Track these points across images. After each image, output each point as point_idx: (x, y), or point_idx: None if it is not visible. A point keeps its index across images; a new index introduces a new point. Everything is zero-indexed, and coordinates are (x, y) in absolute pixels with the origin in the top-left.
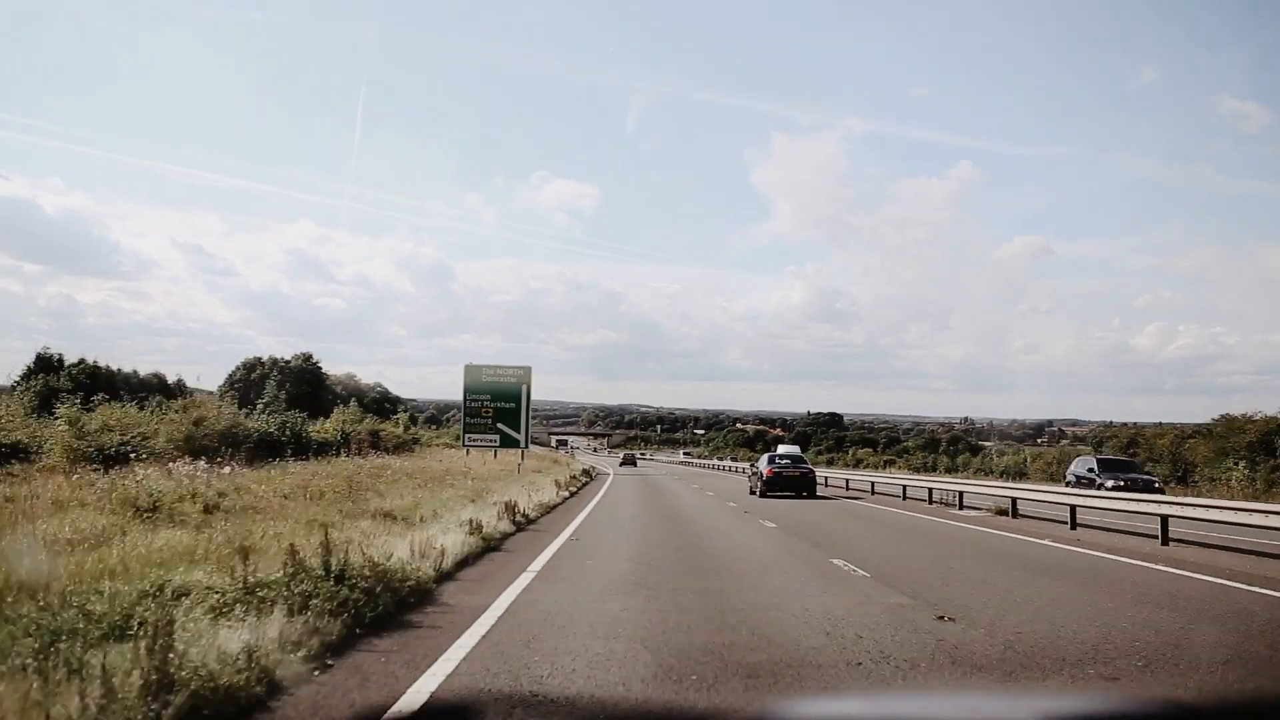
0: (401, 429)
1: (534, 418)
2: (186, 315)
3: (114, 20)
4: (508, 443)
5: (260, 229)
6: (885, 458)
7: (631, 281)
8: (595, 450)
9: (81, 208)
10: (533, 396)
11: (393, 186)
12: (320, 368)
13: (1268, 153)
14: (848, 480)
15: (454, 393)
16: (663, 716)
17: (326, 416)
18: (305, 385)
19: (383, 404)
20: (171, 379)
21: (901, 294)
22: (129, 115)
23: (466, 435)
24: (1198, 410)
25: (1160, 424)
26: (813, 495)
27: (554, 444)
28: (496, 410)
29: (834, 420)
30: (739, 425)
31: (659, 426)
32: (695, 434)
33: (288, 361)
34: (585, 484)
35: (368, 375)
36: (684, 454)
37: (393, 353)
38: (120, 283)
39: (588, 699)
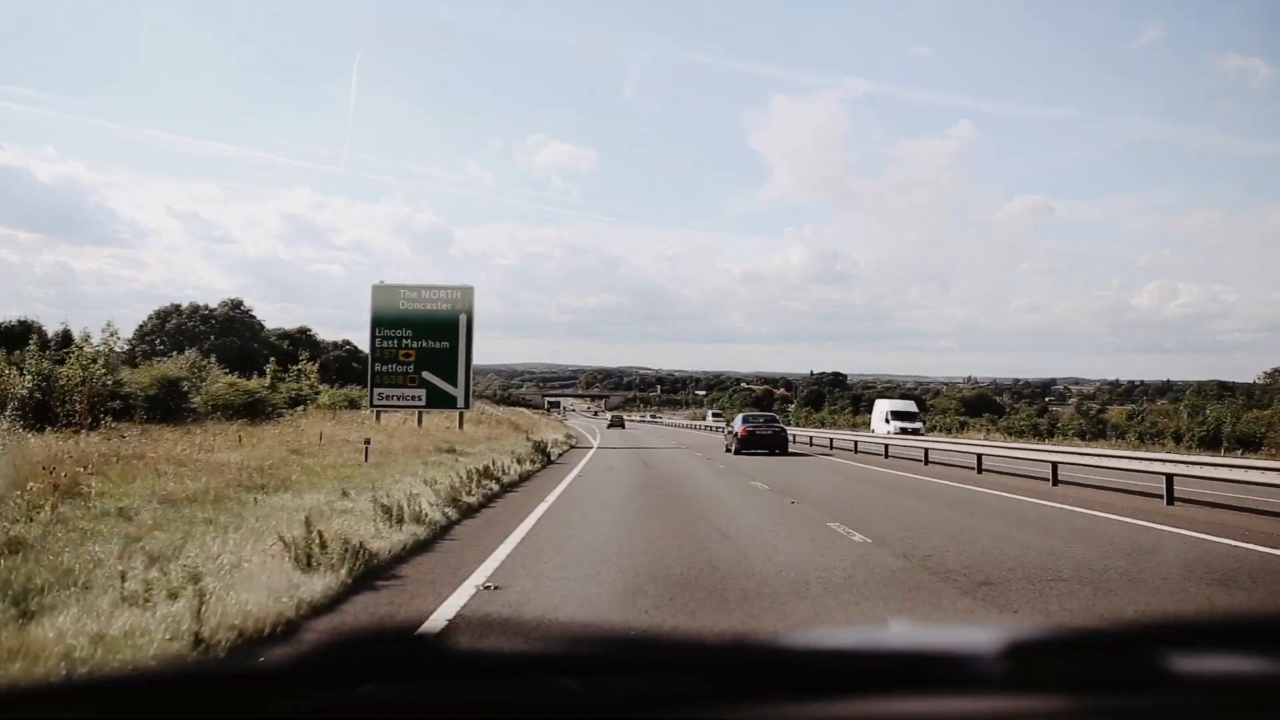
0: (268, 384)
1: (530, 379)
2: (184, 282)
3: None
4: (438, 400)
5: (258, 196)
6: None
7: (631, 245)
8: (596, 413)
9: (77, 175)
10: (531, 359)
11: (390, 152)
12: (253, 316)
13: (1271, 110)
14: (886, 447)
15: None
16: None
17: (262, 373)
18: (233, 336)
19: (350, 363)
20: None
21: (902, 255)
22: (124, 83)
23: (375, 391)
24: (1198, 368)
25: (1168, 382)
26: (785, 452)
27: (546, 406)
28: (421, 353)
29: (837, 380)
30: (744, 385)
31: (659, 388)
32: (697, 394)
33: (211, 309)
34: (542, 467)
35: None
36: (712, 415)
37: None
38: (117, 250)
39: None
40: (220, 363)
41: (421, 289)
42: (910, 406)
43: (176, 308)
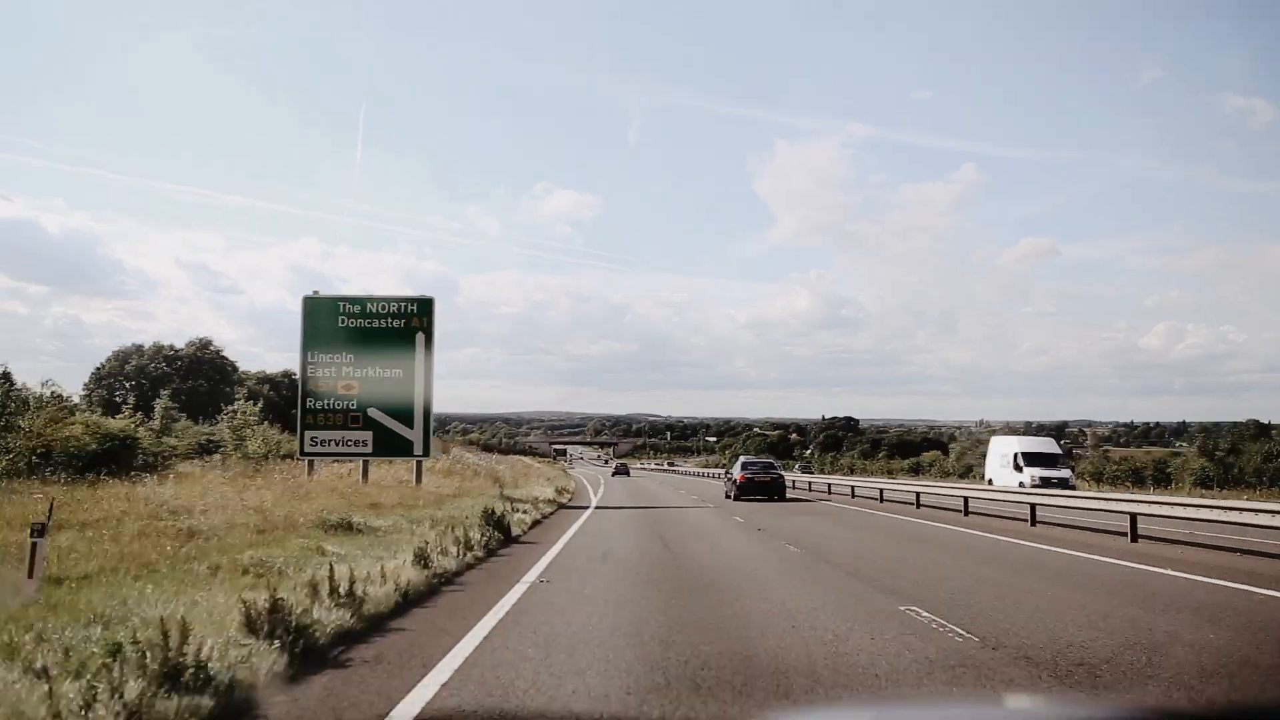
0: (154, 426)
1: (538, 427)
2: (192, 334)
3: (114, 41)
4: (389, 445)
5: (263, 246)
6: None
7: (636, 292)
8: (605, 461)
9: (84, 228)
10: (537, 408)
11: (394, 201)
12: (224, 357)
13: (1273, 149)
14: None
15: (456, 406)
16: None
17: (148, 412)
18: (201, 379)
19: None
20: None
21: (908, 299)
22: (131, 135)
23: (305, 436)
24: (1206, 409)
25: (1183, 423)
26: (782, 498)
27: (553, 454)
28: (367, 384)
29: (849, 424)
30: (757, 430)
31: (669, 434)
32: (708, 441)
33: (176, 349)
34: (497, 548)
35: None
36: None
37: None
38: (125, 302)
39: None
40: (188, 406)
41: (367, 301)
42: (1049, 446)
43: (138, 348)
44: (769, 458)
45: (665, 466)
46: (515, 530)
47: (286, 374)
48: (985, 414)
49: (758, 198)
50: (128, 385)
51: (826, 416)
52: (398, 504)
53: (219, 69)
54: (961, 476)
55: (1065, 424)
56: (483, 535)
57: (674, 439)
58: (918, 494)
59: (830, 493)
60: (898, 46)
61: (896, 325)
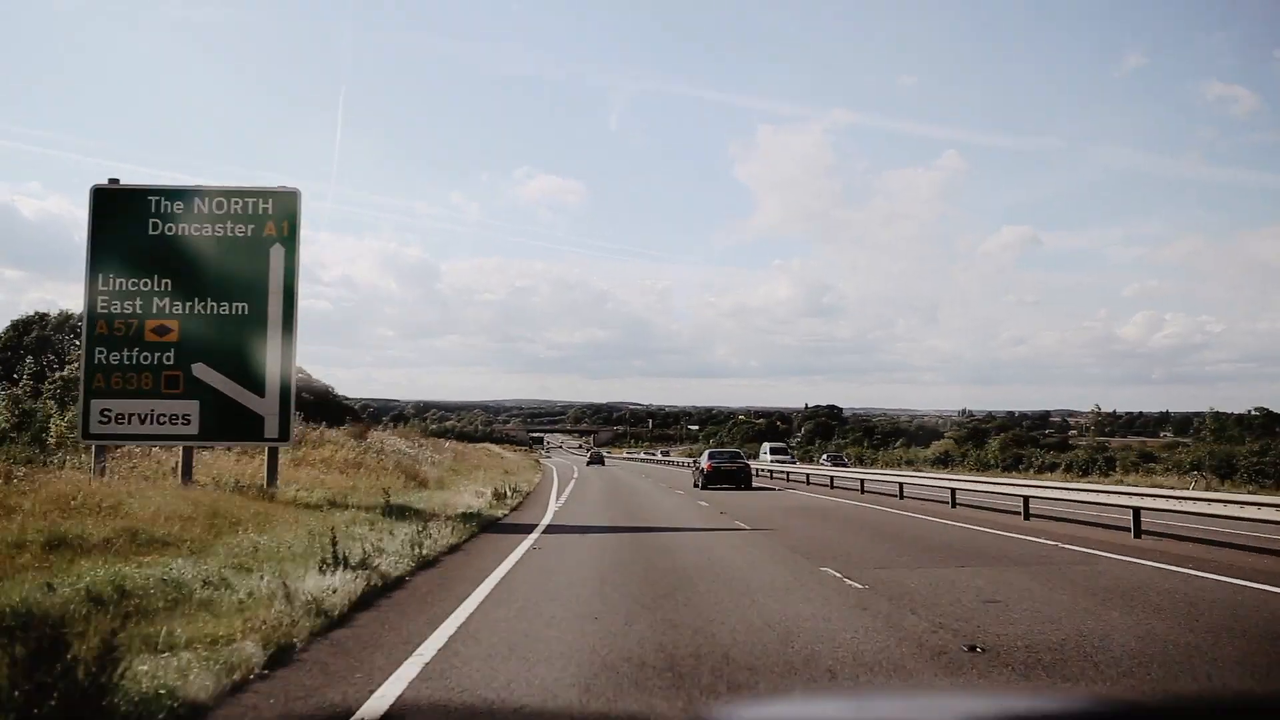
0: None
1: (517, 415)
2: None
3: (92, 24)
4: (227, 425)
5: None
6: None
7: (618, 278)
8: (586, 449)
9: (61, 212)
10: (519, 395)
11: (376, 186)
12: None
13: (1254, 139)
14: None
15: (438, 394)
16: None
17: None
18: None
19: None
20: None
21: (889, 287)
22: (109, 120)
23: (93, 408)
24: (1185, 399)
25: (1166, 412)
26: (748, 487)
27: (529, 442)
28: (190, 324)
29: (833, 413)
30: (743, 418)
31: (650, 422)
32: (690, 429)
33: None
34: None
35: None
36: (771, 451)
37: (380, 354)
38: None
39: None
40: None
41: (194, 195)
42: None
43: (41, 317)
44: (736, 448)
45: (659, 456)
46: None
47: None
48: (966, 403)
49: (740, 184)
50: (27, 359)
51: (810, 405)
52: (156, 537)
53: (198, 51)
54: (1007, 470)
55: (1048, 413)
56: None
57: (655, 427)
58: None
59: (833, 486)
60: (883, 31)
61: (878, 314)
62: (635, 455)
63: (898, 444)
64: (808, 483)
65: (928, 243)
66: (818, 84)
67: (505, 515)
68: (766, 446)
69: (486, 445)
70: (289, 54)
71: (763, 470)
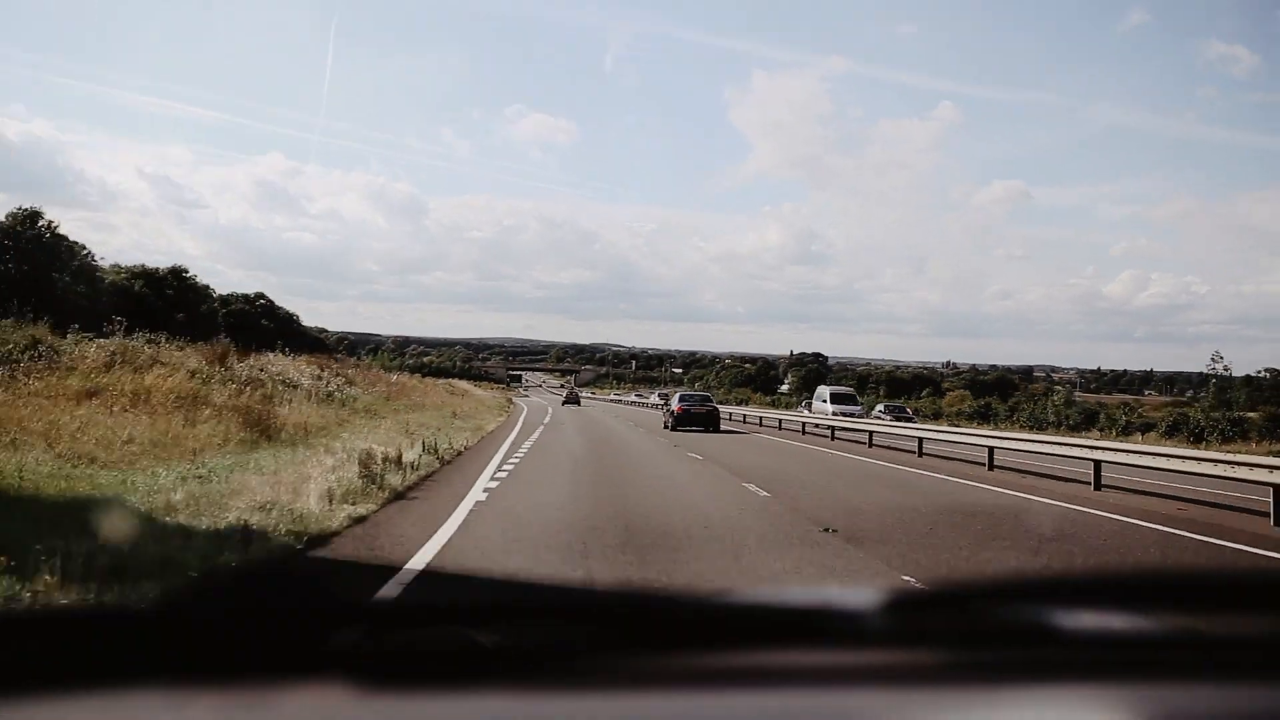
0: None
1: (499, 353)
2: (154, 247)
3: None
4: None
5: (230, 161)
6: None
7: (607, 220)
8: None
9: (45, 135)
10: (504, 334)
11: (365, 119)
12: (57, 233)
13: (1254, 99)
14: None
15: (422, 330)
16: None
17: (54, 314)
18: (25, 263)
19: (258, 320)
20: None
21: (878, 237)
22: (97, 44)
23: None
24: (1167, 358)
25: (1150, 371)
26: (718, 429)
27: (508, 380)
28: None
29: (818, 360)
30: (731, 362)
31: (634, 364)
32: (674, 372)
33: None
34: None
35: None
36: (832, 399)
37: (365, 289)
38: (86, 213)
39: None
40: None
41: None
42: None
43: None
44: (705, 391)
45: (633, 399)
46: None
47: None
48: (949, 355)
49: (734, 128)
50: None
51: (795, 352)
52: None
53: None
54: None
55: (1031, 369)
56: None
57: (639, 369)
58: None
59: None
60: None
61: (866, 263)
62: (622, 398)
63: (902, 398)
64: (869, 445)
65: (919, 193)
66: (816, 30)
67: (367, 515)
68: (825, 392)
69: (451, 381)
70: None
71: (819, 424)
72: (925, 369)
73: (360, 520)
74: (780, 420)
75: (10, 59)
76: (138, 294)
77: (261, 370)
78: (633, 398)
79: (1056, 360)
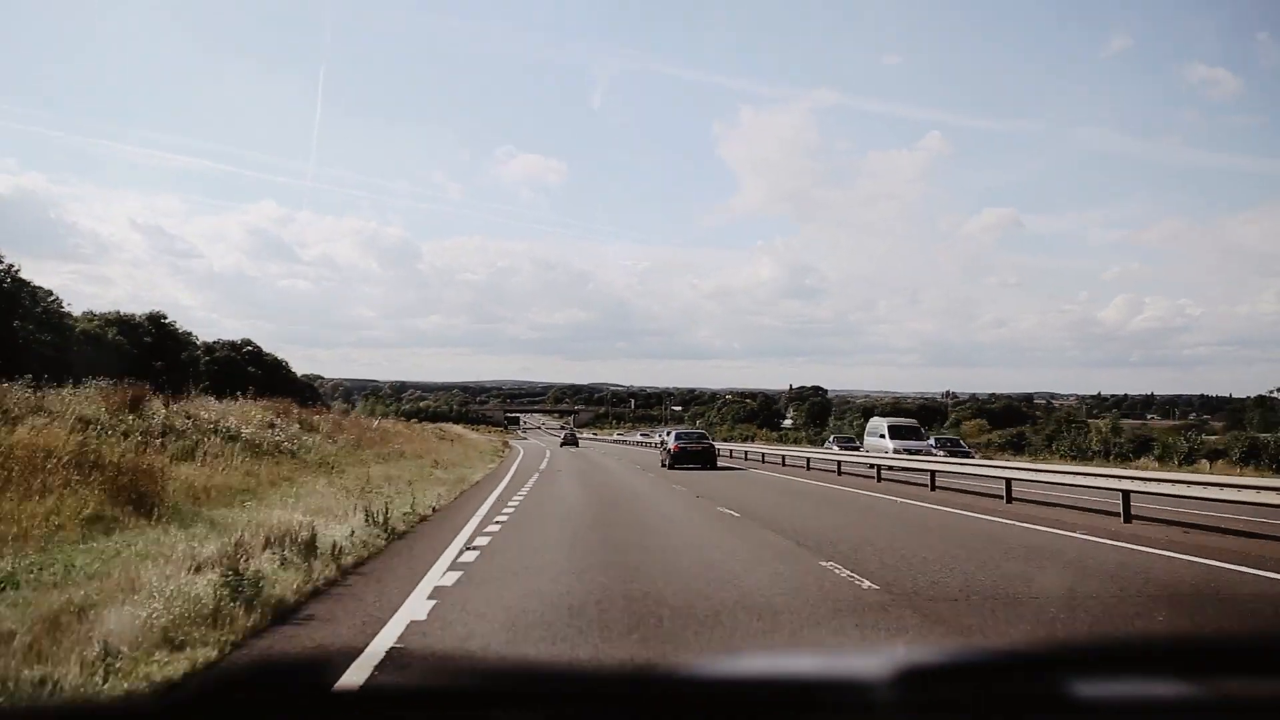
0: None
1: (497, 395)
2: (149, 299)
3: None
4: None
5: (222, 210)
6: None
7: (600, 259)
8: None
9: (37, 188)
10: (500, 376)
11: (356, 164)
12: (18, 278)
13: (1236, 122)
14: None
15: (418, 375)
16: None
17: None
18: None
19: (245, 367)
20: None
21: (871, 268)
22: (87, 95)
23: None
24: (1164, 382)
25: (1151, 395)
26: (713, 466)
27: (505, 423)
28: None
29: (818, 393)
30: (732, 398)
31: (633, 402)
32: (674, 410)
33: None
34: None
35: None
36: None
37: (361, 334)
38: (80, 266)
39: None
40: None
41: None
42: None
43: None
44: (702, 428)
45: (639, 439)
46: None
47: (157, 318)
48: (947, 385)
49: (723, 164)
50: None
51: (795, 385)
52: None
53: (176, 27)
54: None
55: (1030, 396)
56: None
57: (638, 407)
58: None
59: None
60: (868, 10)
61: (860, 295)
62: (624, 438)
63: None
64: (932, 488)
65: (910, 223)
66: (801, 64)
67: (179, 679)
68: (882, 425)
69: (442, 426)
70: (268, 31)
71: (882, 464)
72: (925, 399)
73: (169, 687)
74: (808, 459)
75: (2, 113)
76: (112, 342)
77: (189, 417)
78: (638, 437)
79: (1053, 387)
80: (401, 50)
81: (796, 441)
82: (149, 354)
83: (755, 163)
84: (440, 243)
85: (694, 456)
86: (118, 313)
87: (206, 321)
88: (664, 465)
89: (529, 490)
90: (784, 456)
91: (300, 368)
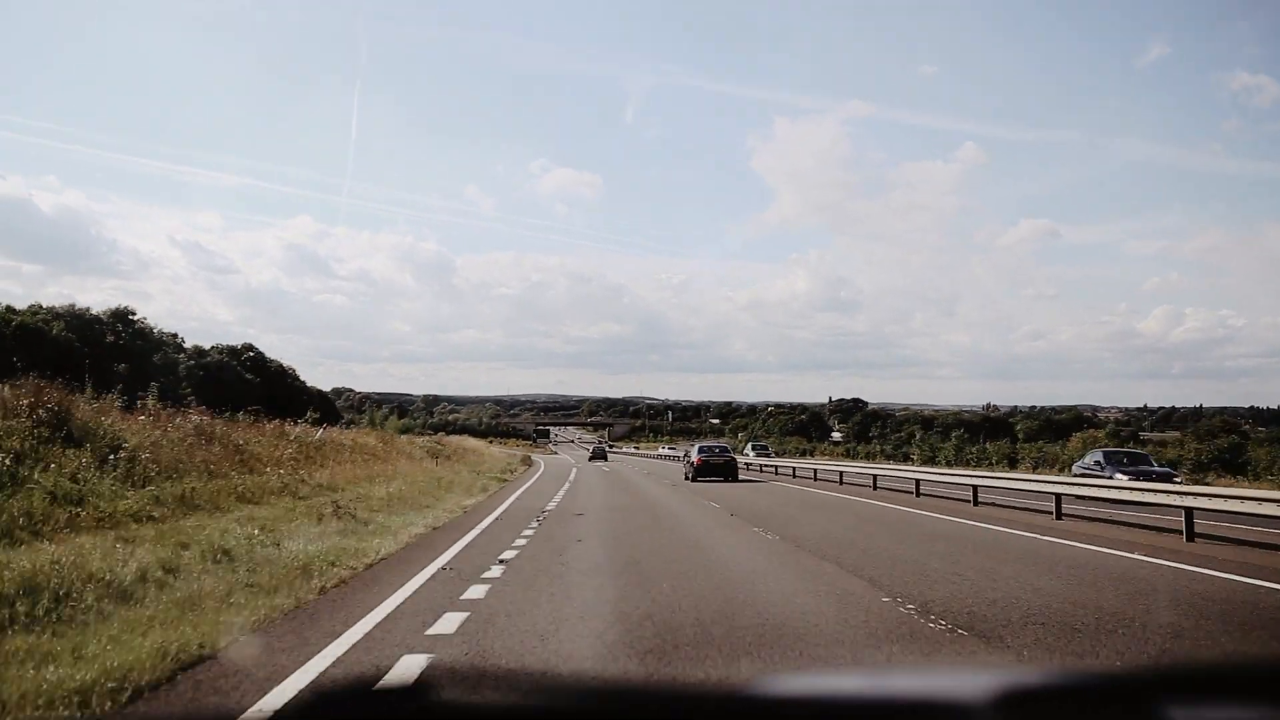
0: None
1: (530, 409)
2: (187, 314)
3: (111, 17)
4: None
5: (260, 225)
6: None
7: (634, 272)
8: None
9: (78, 206)
10: (535, 390)
11: (392, 180)
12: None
13: (1277, 129)
14: None
15: (455, 389)
16: None
17: None
18: None
19: (242, 375)
20: None
21: (907, 281)
22: (126, 113)
23: None
24: (1205, 394)
25: (1200, 407)
26: (735, 479)
27: (534, 437)
28: None
29: (858, 405)
30: (774, 410)
31: (670, 415)
32: (712, 423)
33: None
34: None
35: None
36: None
37: (397, 349)
38: (120, 282)
39: None
40: None
41: None
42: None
43: None
44: (727, 441)
45: (667, 452)
46: None
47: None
48: (987, 398)
49: (757, 176)
50: None
51: (834, 398)
52: None
53: (216, 45)
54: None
55: (1073, 408)
56: None
57: (676, 420)
58: None
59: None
60: (902, 21)
61: (895, 307)
62: (674, 450)
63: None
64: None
65: (945, 235)
66: (835, 75)
67: None
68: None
69: (446, 439)
70: (305, 47)
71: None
72: (965, 412)
73: None
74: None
75: (42, 131)
76: (57, 339)
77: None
78: (663, 450)
79: (1094, 399)
80: (436, 66)
81: (863, 456)
82: (110, 355)
83: (789, 175)
84: (475, 257)
85: (717, 469)
86: (72, 305)
87: (244, 336)
88: (686, 478)
89: (525, 546)
90: (875, 476)
91: (334, 381)
